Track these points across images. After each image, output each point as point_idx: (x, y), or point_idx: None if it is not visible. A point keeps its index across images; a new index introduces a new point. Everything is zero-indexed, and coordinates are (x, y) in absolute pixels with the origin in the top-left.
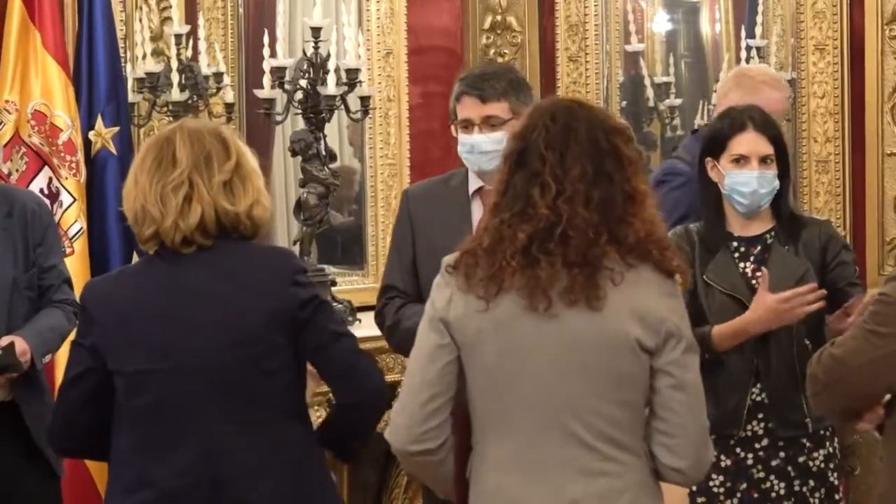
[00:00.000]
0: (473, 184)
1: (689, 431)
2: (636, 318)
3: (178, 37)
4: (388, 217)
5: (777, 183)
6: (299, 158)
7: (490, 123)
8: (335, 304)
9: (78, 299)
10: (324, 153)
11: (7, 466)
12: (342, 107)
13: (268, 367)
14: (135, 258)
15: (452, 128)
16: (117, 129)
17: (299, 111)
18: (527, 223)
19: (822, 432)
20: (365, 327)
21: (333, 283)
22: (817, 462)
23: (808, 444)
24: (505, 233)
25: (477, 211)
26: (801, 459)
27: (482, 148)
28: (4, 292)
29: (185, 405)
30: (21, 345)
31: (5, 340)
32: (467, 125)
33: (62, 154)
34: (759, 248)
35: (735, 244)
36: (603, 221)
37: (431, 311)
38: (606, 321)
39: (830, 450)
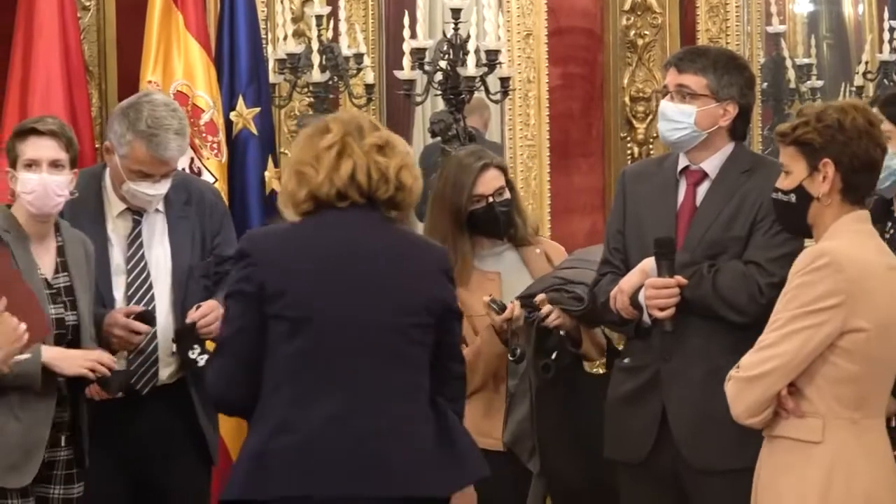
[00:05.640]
0: (681, 163)
1: None
2: None
3: (318, 18)
4: (527, 198)
5: None
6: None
7: (682, 93)
8: None
9: (238, 249)
10: (463, 134)
11: (170, 447)
12: (482, 88)
13: (414, 337)
14: None
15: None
16: (258, 109)
17: (439, 92)
18: None
19: None
20: None
21: None
22: None
23: None
24: None
25: (681, 190)
26: None
27: (667, 114)
28: (182, 278)
29: (336, 356)
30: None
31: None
32: (665, 94)
33: (204, 134)
34: None
35: None
36: None
37: None
38: None
39: None
